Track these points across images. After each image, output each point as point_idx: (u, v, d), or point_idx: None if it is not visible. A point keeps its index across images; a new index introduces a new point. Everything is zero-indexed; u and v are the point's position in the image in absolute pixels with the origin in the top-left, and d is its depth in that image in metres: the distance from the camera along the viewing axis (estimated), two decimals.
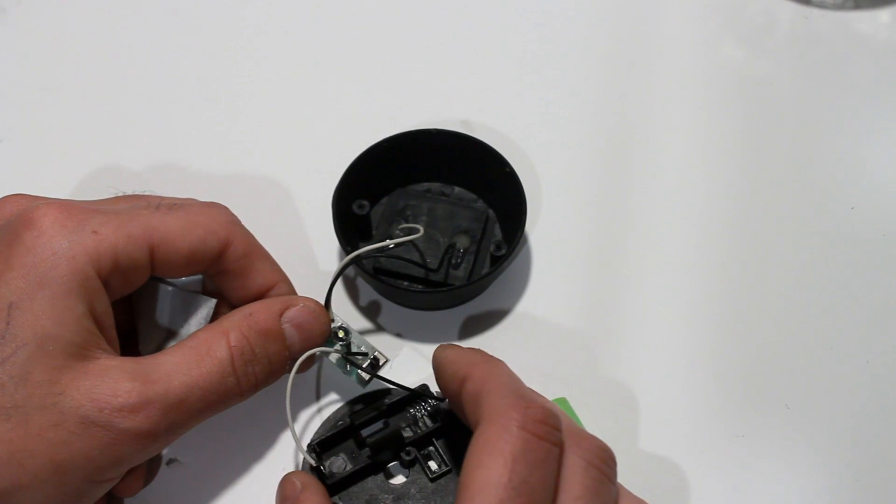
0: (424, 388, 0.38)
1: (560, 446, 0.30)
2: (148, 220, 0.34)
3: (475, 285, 0.41)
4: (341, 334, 0.38)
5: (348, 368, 0.38)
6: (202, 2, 0.54)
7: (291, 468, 0.39)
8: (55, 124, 0.49)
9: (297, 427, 0.40)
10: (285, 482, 0.35)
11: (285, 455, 0.39)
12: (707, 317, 0.43)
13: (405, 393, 0.38)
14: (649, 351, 0.42)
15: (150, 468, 0.38)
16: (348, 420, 0.37)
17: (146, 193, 0.39)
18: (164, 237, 0.34)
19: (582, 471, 0.30)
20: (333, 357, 0.38)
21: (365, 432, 0.36)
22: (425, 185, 0.45)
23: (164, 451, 0.39)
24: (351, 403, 0.39)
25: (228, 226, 0.36)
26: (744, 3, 0.53)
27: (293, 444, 0.39)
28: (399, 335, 0.42)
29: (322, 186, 0.43)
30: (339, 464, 0.37)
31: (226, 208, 0.37)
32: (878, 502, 0.38)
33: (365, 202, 0.42)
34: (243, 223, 0.37)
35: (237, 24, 0.53)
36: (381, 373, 0.38)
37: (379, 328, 0.42)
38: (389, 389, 0.39)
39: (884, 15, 0.52)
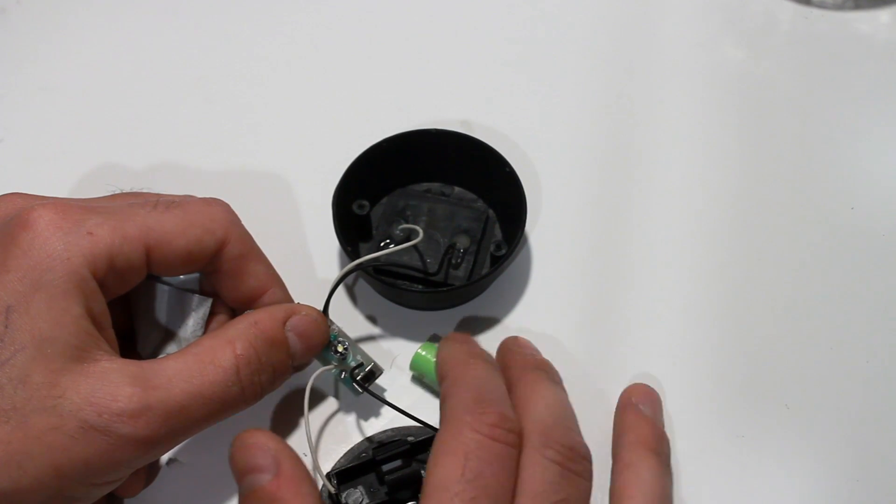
0: None
1: (517, 447, 0.31)
2: (144, 219, 0.33)
3: (475, 285, 0.41)
4: (340, 348, 0.37)
5: (343, 377, 0.38)
6: (202, 2, 0.54)
7: None
8: (55, 124, 0.49)
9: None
10: (252, 447, 0.29)
11: None
12: (707, 317, 0.43)
13: (431, 433, 0.37)
14: (649, 350, 0.42)
15: (151, 469, 0.38)
16: (370, 454, 0.36)
17: (144, 191, 0.39)
18: (160, 237, 0.33)
19: (542, 468, 0.30)
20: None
21: (385, 468, 0.36)
22: (425, 185, 0.45)
23: None
24: (379, 434, 0.39)
25: (226, 224, 0.35)
26: (744, 3, 0.53)
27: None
28: (399, 336, 0.42)
29: (322, 186, 0.43)
30: (356, 496, 0.36)
31: (225, 205, 0.36)
32: (878, 502, 0.38)
33: (365, 202, 0.42)
34: (243, 223, 0.37)
35: (237, 24, 0.53)
36: (410, 410, 0.37)
37: (379, 329, 0.42)
38: (417, 424, 0.38)
39: (884, 15, 0.52)
